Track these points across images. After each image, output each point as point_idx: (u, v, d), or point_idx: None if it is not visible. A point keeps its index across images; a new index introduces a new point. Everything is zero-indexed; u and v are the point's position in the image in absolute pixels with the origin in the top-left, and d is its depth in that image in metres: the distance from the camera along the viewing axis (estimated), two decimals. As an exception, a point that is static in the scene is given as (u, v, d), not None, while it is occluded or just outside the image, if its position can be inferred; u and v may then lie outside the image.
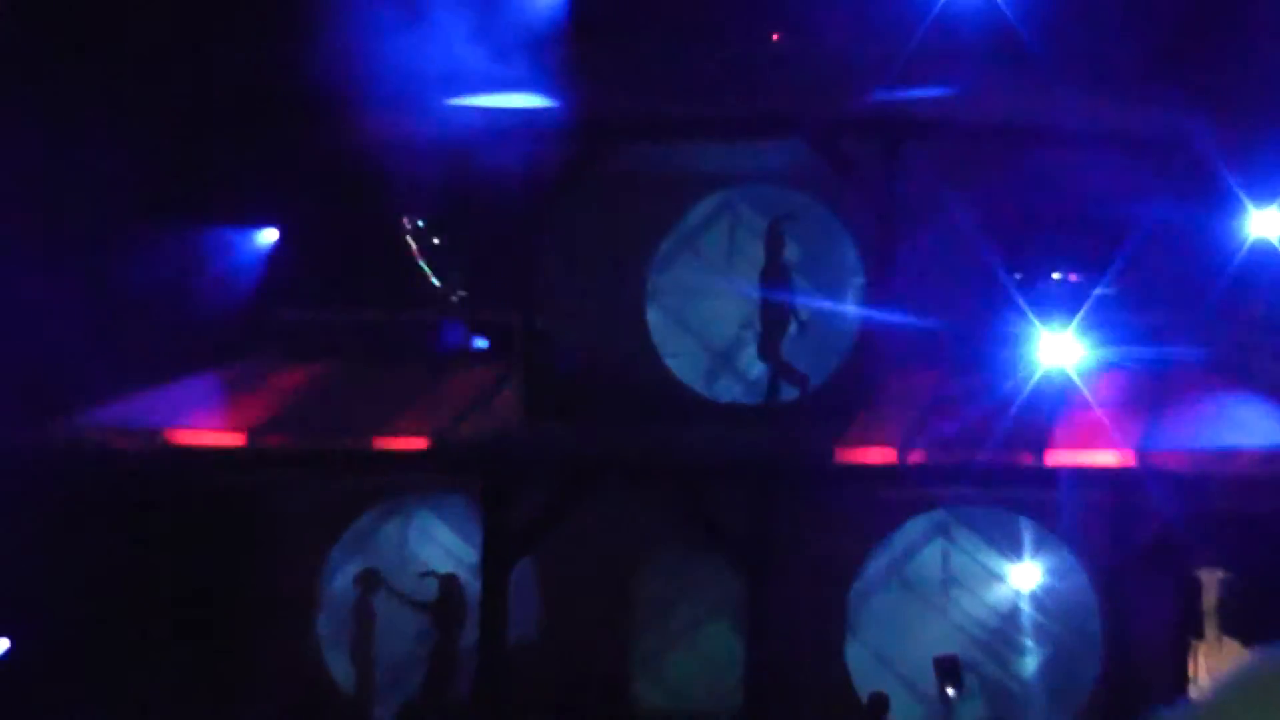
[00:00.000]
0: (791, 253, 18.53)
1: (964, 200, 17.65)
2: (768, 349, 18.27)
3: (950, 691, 16.80)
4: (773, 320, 18.30)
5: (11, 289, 17.57)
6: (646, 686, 18.53)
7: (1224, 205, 17.16)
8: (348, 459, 17.89)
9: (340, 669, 18.84)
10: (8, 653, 18.41)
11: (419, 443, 17.63)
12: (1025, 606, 18.45)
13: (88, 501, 17.70)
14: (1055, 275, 18.20)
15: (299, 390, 18.66)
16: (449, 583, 18.13)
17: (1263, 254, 17.27)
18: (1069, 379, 16.99)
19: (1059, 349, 17.11)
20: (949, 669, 16.88)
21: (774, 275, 18.46)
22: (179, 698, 17.78)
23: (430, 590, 18.09)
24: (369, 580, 18.24)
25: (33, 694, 17.74)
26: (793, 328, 18.23)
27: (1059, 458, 16.45)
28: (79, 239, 18.16)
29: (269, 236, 20.09)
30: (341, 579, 19.06)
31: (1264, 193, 17.25)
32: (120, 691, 17.66)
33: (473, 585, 17.83)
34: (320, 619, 19.24)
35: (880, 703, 16.70)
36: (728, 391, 19.35)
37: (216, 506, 19.07)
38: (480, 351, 18.93)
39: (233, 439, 18.03)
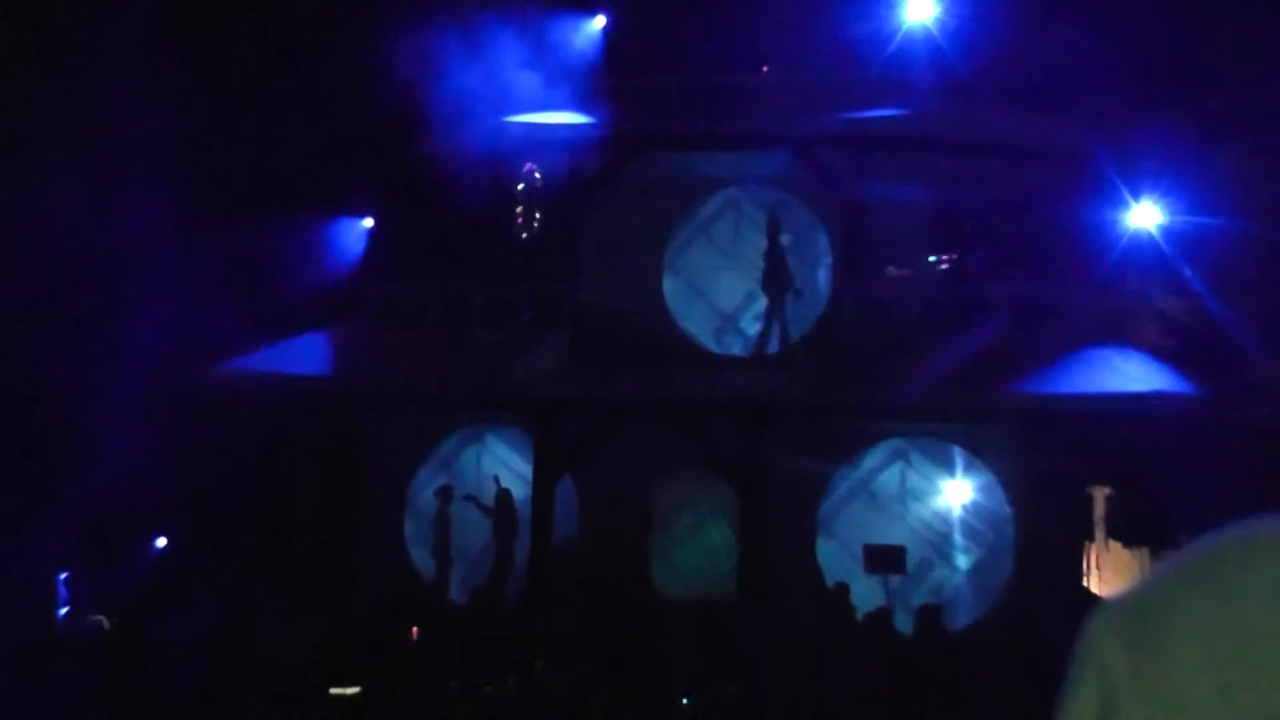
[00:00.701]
0: (786, 235, 19.11)
1: (913, 197, 18.55)
2: (773, 311, 18.90)
3: (886, 576, 17.26)
4: (776, 287, 18.95)
5: (171, 265, 18.25)
6: (661, 575, 19.13)
7: (1110, 200, 17.80)
8: (429, 397, 18.76)
9: (423, 562, 19.62)
10: (165, 549, 19.72)
11: (486, 385, 18.44)
12: (959, 516, 19.01)
13: (228, 431, 18.47)
14: (968, 256, 18.88)
15: (390, 344, 19.28)
16: (504, 495, 19.16)
17: (1141, 238, 17.95)
18: (995, 335, 17.70)
19: (988, 311, 18.02)
20: (881, 555, 17.43)
21: (775, 253, 19.02)
22: (302, 584, 18.67)
23: (490, 499, 19.10)
24: (445, 494, 19.34)
25: (181, 582, 18.41)
26: (790, 294, 18.94)
27: (986, 400, 17.35)
28: (224, 225, 18.61)
29: (366, 224, 20.85)
30: (425, 493, 19.91)
31: (1141, 190, 17.87)
32: (255, 579, 18.44)
33: (526, 497, 18.68)
34: (408, 524, 20.05)
35: (843, 589, 16.59)
36: (728, 346, 19.85)
37: (329, 436, 19.92)
38: (533, 314, 19.34)
39: (340, 382, 19.06)
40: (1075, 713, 1.33)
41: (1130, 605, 1.34)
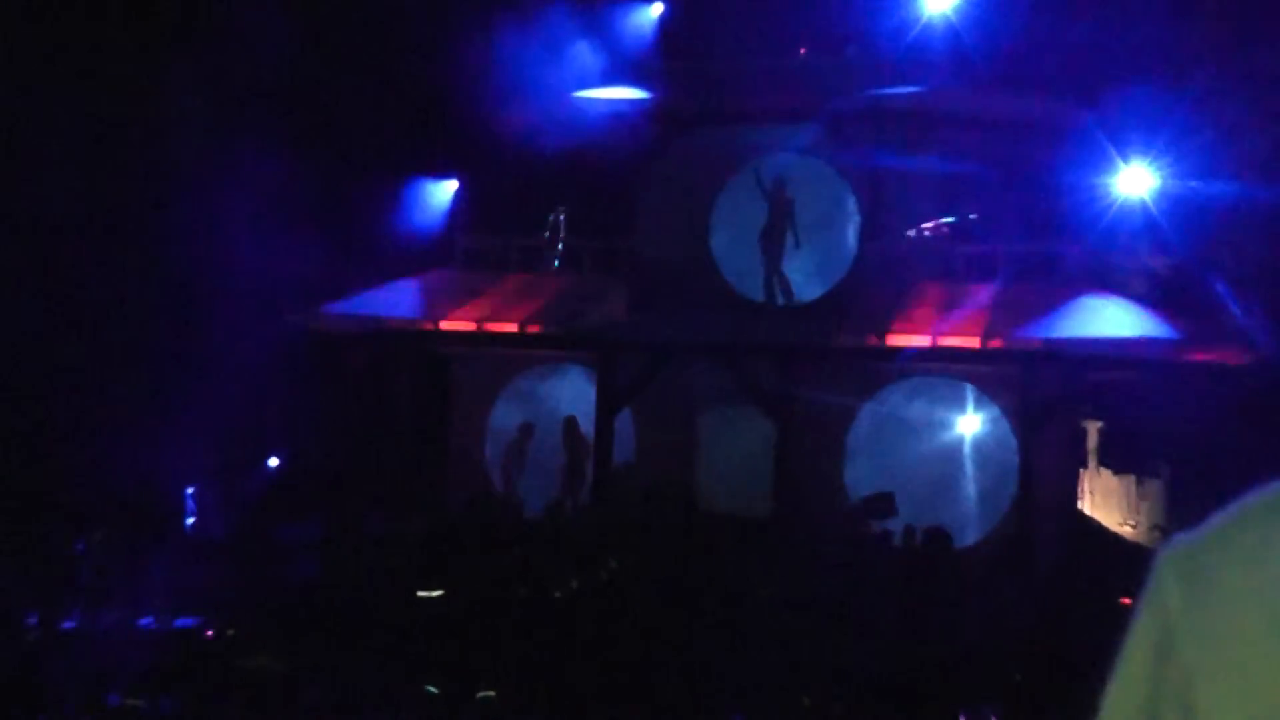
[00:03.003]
0: (794, 194, 18.83)
1: (928, 165, 18.46)
2: (771, 265, 18.84)
3: (879, 523, 17.06)
4: (773, 244, 18.80)
5: (287, 219, 18.28)
6: (706, 494, 18.76)
7: (1103, 166, 17.71)
8: (507, 338, 18.86)
9: (501, 482, 19.64)
10: (278, 468, 20.03)
11: (555, 327, 18.55)
12: (968, 447, 18.92)
13: (333, 366, 18.85)
14: (979, 218, 18.75)
15: (473, 291, 19.42)
16: (569, 422, 19.38)
17: (1130, 200, 17.77)
18: (1001, 287, 17.69)
19: (995, 266, 17.97)
20: (873, 504, 17.22)
21: (777, 211, 18.84)
22: (396, 501, 18.73)
23: (558, 427, 19.33)
24: (526, 427, 19.58)
25: (293, 496, 19.02)
26: (790, 245, 18.76)
27: (992, 343, 17.23)
28: (332, 183, 18.94)
29: (454, 184, 20.86)
30: (503, 421, 20.06)
31: (1130, 156, 17.74)
32: (357, 496, 18.67)
33: (591, 426, 18.70)
34: (487, 447, 20.17)
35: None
36: (773, 297, 19.30)
37: (419, 371, 20.10)
38: (596, 266, 19.66)
39: (429, 323, 19.06)
40: (1134, 644, 1.31)
41: (1190, 545, 1.30)
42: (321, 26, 20.64)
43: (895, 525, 17.27)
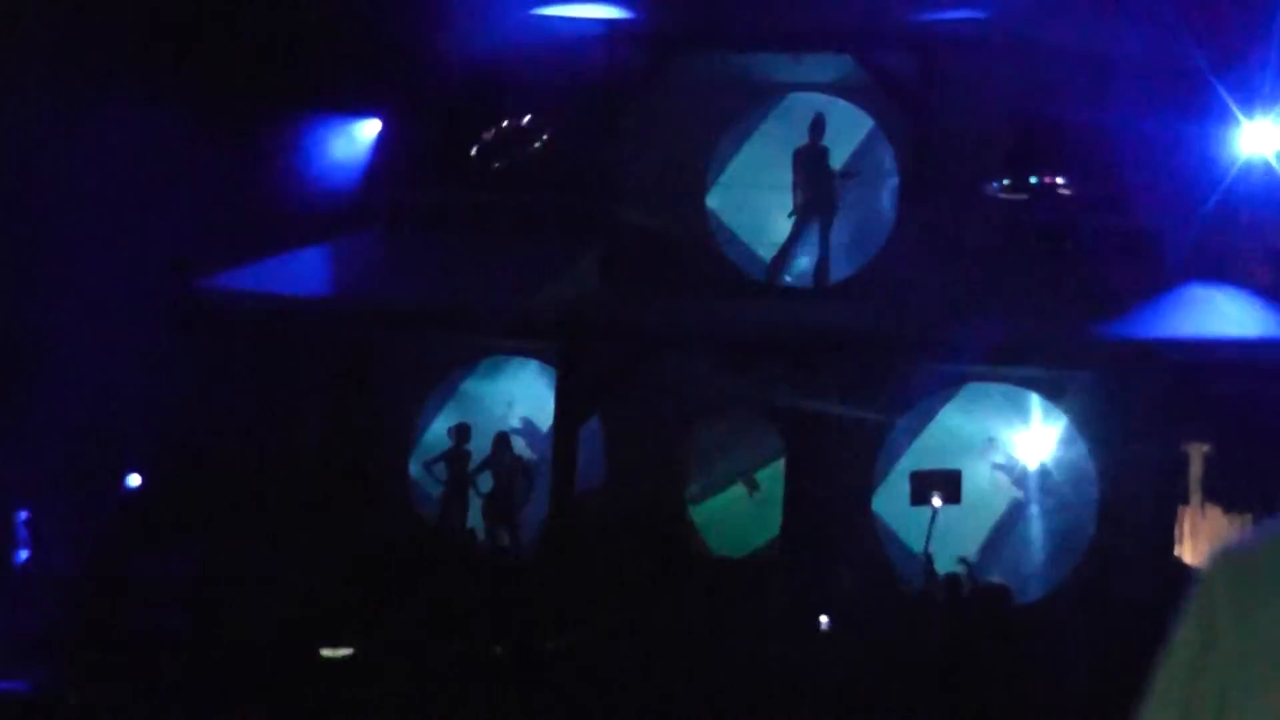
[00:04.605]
0: (833, 149, 19.20)
1: (990, 112, 18.67)
2: (798, 235, 19.17)
3: (936, 501, 17.29)
4: (817, 208, 19.12)
5: (154, 174, 18.11)
6: (697, 530, 19.25)
7: (1214, 119, 17.66)
8: (440, 318, 18.84)
9: (431, 508, 19.73)
10: (139, 487, 19.52)
11: (504, 309, 18.44)
12: (1034, 472, 18.96)
13: (216, 358, 18.69)
14: (1055, 180, 18.73)
15: (399, 260, 19.47)
16: (501, 440, 19.41)
17: (1253, 165, 17.79)
18: (1081, 270, 17.81)
19: (1073, 242, 18.15)
20: (931, 482, 17.47)
21: (817, 166, 19.19)
22: (295, 529, 18.56)
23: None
24: (461, 432, 19.58)
25: (160, 521, 18.61)
26: (832, 217, 19.05)
27: (1068, 342, 17.33)
28: (211, 127, 18.25)
29: (373, 126, 20.67)
30: (436, 429, 20.10)
31: (1254, 111, 17.70)
32: (242, 522, 18.38)
33: (545, 436, 18.93)
34: (413, 465, 20.20)
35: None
36: (779, 275, 19.76)
37: (326, 363, 20.07)
38: (561, 230, 19.36)
39: (343, 302, 19.14)
40: (1178, 643, 1.60)
41: (1241, 549, 1.60)
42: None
43: (936, 565, 17.31)
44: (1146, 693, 1.57)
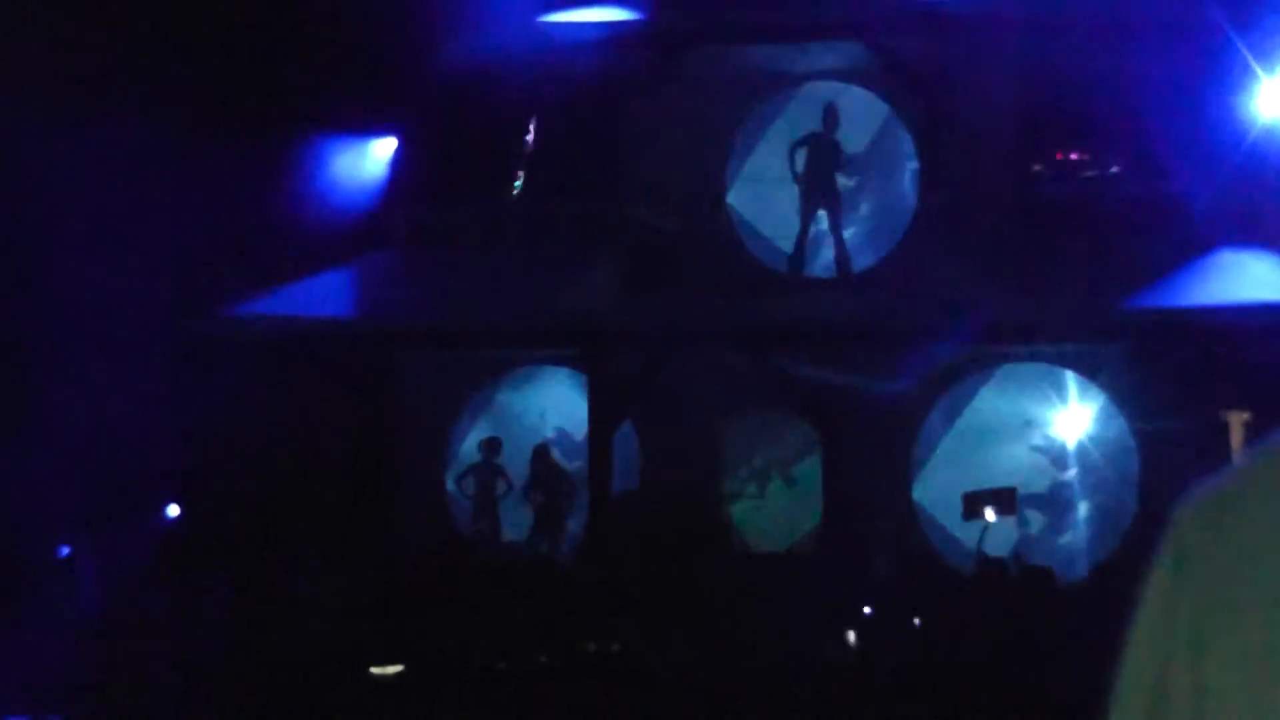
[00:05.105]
0: (844, 138, 19.08)
1: (1007, 89, 18.57)
2: (808, 222, 19.00)
3: (990, 516, 17.21)
4: (823, 195, 18.95)
5: (171, 199, 17.85)
6: (733, 527, 19.31)
7: (1234, 78, 17.54)
8: (466, 334, 18.97)
9: (464, 520, 19.78)
10: (178, 518, 19.56)
11: (528, 320, 18.48)
12: (1072, 450, 18.85)
13: (243, 380, 18.16)
14: (1075, 153, 18.74)
15: (420, 277, 19.34)
16: (541, 452, 19.38)
17: (1276, 124, 17.71)
18: (1110, 241, 17.63)
19: (1100, 214, 18.01)
20: (985, 500, 17.34)
21: (825, 153, 19.00)
22: (331, 552, 18.39)
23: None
24: (491, 446, 19.55)
25: (197, 554, 18.62)
26: (844, 199, 18.94)
27: (1100, 316, 17.36)
28: (227, 151, 18.10)
29: (389, 145, 20.57)
30: (468, 443, 20.05)
31: (1275, 64, 17.58)
32: (277, 547, 18.37)
33: (581, 444, 18.94)
34: (449, 481, 20.12)
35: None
36: (804, 266, 19.53)
37: (354, 384, 19.78)
38: (581, 236, 19.34)
39: (366, 323, 19.16)
40: (1152, 586, 1.60)
41: (1211, 490, 1.60)
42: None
43: (980, 546, 17.28)
44: (1124, 642, 1.58)
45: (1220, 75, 17.55)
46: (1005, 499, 17.51)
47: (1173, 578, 1.57)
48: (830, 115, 18.95)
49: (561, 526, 19.22)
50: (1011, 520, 17.97)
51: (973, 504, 17.45)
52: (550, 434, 19.97)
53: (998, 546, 17.29)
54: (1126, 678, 1.64)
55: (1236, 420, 18.24)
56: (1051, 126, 18.87)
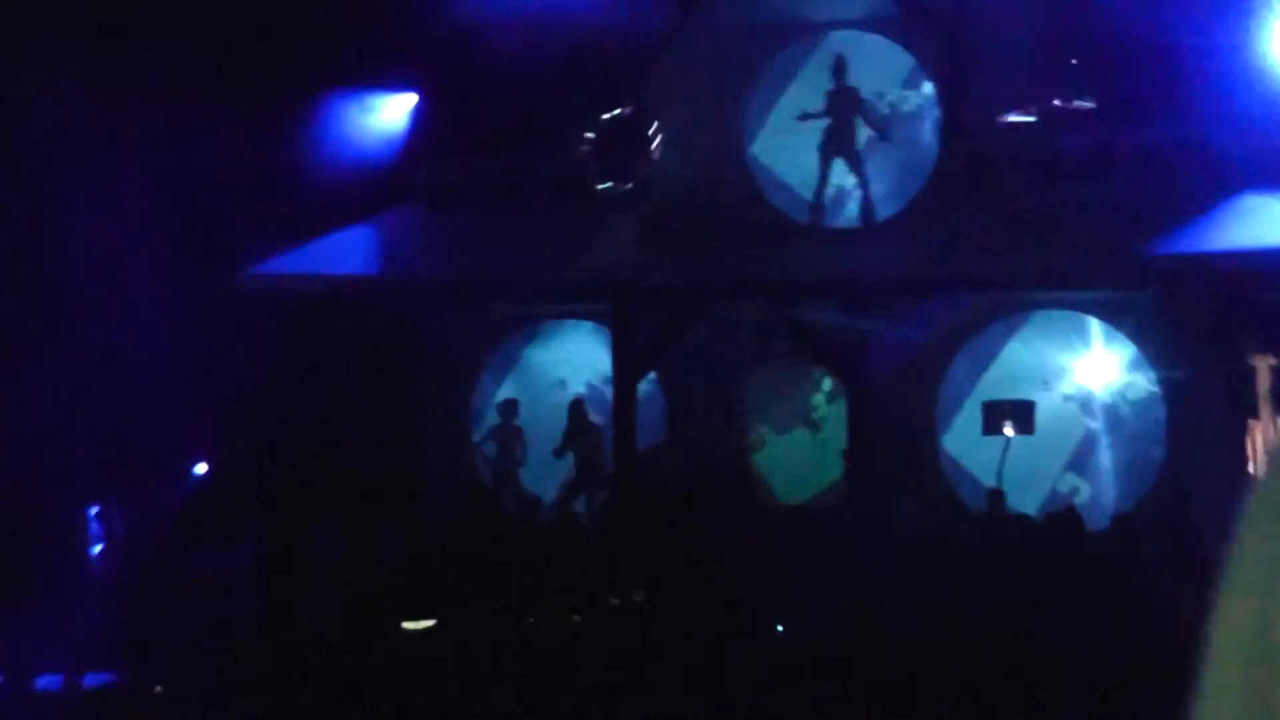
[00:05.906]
0: (865, 86, 19.12)
1: (1027, 32, 18.38)
2: (826, 173, 19.04)
3: (1009, 431, 17.44)
4: (842, 146, 19.02)
5: (191, 162, 17.87)
6: (759, 480, 19.19)
7: (1257, 19, 17.50)
8: (489, 290, 19.05)
9: (488, 474, 19.86)
10: (205, 476, 19.66)
11: (551, 275, 18.50)
12: (1098, 398, 18.87)
13: (267, 339, 18.33)
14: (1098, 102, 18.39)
15: (442, 233, 19.37)
16: (577, 406, 19.44)
17: None
18: (1132, 187, 17.55)
19: (1122, 159, 17.88)
20: (1004, 412, 17.61)
21: (843, 103, 19.06)
22: (358, 508, 18.59)
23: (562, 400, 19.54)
24: (509, 407, 19.74)
25: (225, 511, 18.56)
26: (861, 144, 18.94)
27: (1124, 262, 17.31)
28: (248, 109, 18.24)
29: (409, 101, 20.62)
30: (490, 399, 20.12)
31: None
32: (305, 504, 18.36)
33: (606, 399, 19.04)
34: (474, 435, 20.24)
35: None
36: (825, 218, 19.58)
37: (378, 341, 20.03)
38: (601, 192, 19.30)
39: (388, 280, 19.20)
40: (1247, 535, 1.48)
41: None
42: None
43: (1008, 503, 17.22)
44: (1213, 612, 1.47)
45: (1244, 18, 17.50)
46: (1024, 413, 17.60)
47: (1274, 524, 1.46)
48: (839, 67, 18.98)
49: (599, 481, 19.19)
50: (1043, 471, 18.04)
51: (992, 415, 17.61)
52: (582, 389, 19.95)
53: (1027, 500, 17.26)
54: (1223, 633, 1.52)
55: (1264, 364, 18.57)
56: (1074, 72, 18.71)
